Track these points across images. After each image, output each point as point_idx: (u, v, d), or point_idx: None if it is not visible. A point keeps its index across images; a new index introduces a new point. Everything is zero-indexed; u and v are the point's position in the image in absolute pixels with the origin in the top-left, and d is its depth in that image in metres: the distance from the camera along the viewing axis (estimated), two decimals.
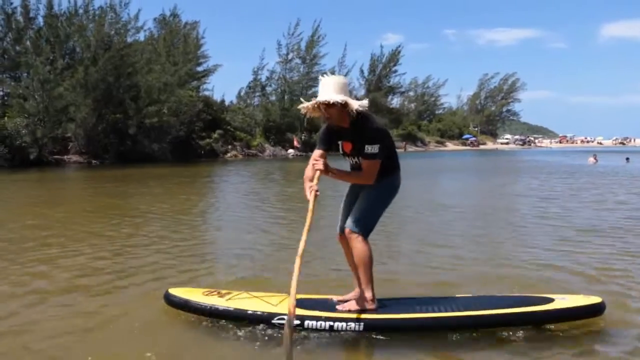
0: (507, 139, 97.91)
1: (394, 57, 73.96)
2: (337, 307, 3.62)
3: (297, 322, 3.24)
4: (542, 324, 3.53)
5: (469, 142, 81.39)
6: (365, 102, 3.47)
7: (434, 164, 31.48)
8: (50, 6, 36.80)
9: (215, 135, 41.71)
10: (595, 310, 3.57)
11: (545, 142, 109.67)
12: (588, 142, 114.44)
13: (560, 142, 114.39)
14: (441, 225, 8.25)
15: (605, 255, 5.83)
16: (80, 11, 37.81)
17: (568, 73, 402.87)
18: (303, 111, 3.64)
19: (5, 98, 35.30)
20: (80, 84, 32.26)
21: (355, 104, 3.39)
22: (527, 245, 6.53)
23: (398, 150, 4.10)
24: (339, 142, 3.68)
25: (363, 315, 3.50)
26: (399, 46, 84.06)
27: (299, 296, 3.17)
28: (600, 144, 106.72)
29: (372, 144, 3.46)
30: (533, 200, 11.63)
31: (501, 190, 14.93)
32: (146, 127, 34.44)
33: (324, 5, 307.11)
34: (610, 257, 5.74)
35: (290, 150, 47.33)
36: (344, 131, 3.59)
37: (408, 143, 67.61)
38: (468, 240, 7.00)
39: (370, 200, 3.61)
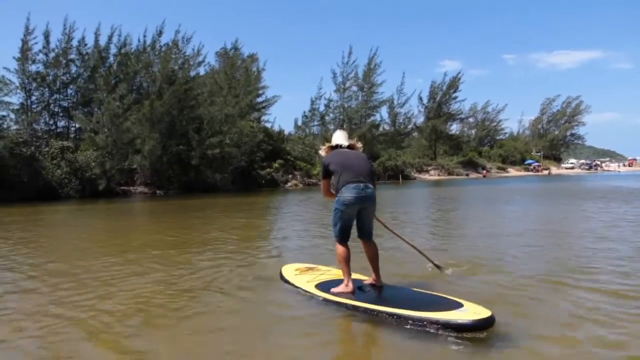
0: (571, 163, 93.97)
1: (454, 83, 73.05)
2: (331, 289, 5.07)
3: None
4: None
5: (531, 167, 78.91)
6: (345, 143, 5.55)
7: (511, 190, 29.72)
8: (123, 45, 38.93)
9: (276, 165, 42.05)
10: (481, 326, 3.93)
11: (613, 166, 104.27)
12: None
13: (630, 166, 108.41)
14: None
15: None
16: (148, 48, 39.46)
17: (636, 93, 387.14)
18: (322, 152, 5.60)
19: (78, 132, 37.09)
20: (146, 117, 33.38)
21: (359, 145, 5.65)
22: None
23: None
24: None
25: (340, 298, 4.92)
26: (459, 72, 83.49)
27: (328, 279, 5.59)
28: None
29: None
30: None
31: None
32: (208, 158, 35.14)
33: (380, 32, 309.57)
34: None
35: None
36: None
37: (488, 170, 69.26)
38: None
39: (331, 217, 5.23)
